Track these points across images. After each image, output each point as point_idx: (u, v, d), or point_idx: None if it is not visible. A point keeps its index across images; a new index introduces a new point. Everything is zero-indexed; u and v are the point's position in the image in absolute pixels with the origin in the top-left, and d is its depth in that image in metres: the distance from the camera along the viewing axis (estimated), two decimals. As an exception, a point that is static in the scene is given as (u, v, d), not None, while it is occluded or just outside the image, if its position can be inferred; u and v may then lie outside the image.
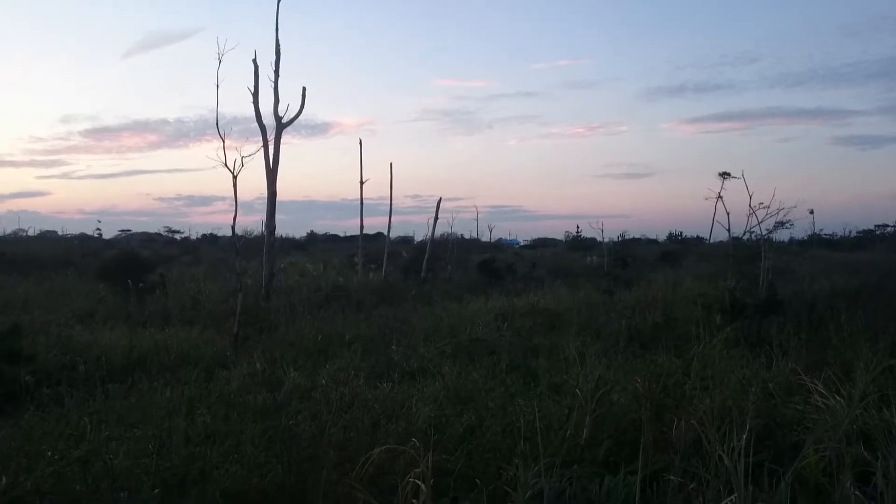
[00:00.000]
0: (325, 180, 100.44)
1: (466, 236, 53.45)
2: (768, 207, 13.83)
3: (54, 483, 4.17)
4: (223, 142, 12.15)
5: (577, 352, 10.59)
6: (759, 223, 13.82)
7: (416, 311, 15.71)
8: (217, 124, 12.54)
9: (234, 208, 13.51)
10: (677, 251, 34.17)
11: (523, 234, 79.41)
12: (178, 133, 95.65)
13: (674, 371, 5.48)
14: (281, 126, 18.03)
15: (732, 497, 3.56)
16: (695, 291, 15.50)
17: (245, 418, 7.14)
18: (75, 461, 3.93)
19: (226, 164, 12.14)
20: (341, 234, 68.96)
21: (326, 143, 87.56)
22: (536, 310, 14.16)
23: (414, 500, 3.08)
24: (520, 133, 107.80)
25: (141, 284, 16.35)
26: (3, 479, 3.69)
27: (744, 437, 3.62)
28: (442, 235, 36.62)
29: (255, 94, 17.58)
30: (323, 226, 72.10)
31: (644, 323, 13.14)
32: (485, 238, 58.39)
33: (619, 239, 33.80)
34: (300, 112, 18.51)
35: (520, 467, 4.48)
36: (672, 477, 4.45)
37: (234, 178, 12.21)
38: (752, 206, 13.94)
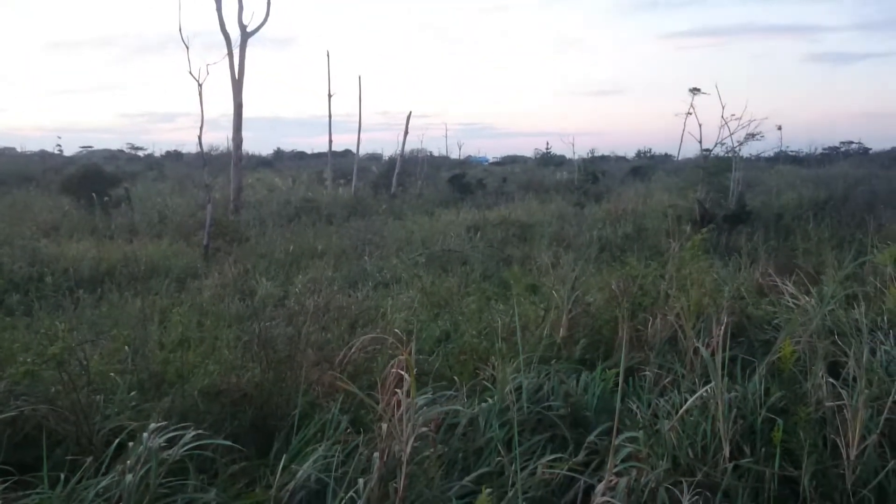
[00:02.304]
0: (291, 96, 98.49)
1: (435, 153, 52.90)
2: (740, 119, 13.80)
3: (28, 384, 4.12)
4: (187, 49, 11.72)
5: (549, 262, 10.73)
6: (731, 134, 13.81)
7: (386, 225, 15.65)
8: (180, 31, 12.08)
9: (198, 123, 13.16)
10: (647, 166, 34.22)
11: (492, 151, 78.54)
12: (141, 47, 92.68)
13: (648, 273, 5.52)
14: (246, 35, 17.43)
15: (709, 387, 3.62)
16: (665, 203, 15.58)
17: (219, 325, 7.12)
18: (51, 359, 3.86)
19: (190, 73, 11.75)
20: (308, 152, 67.90)
21: (292, 57, 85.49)
22: (508, 222, 14.17)
23: (397, 391, 3.08)
24: (491, 49, 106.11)
25: (106, 198, 16.03)
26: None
27: (721, 329, 3.66)
28: (411, 152, 36.16)
29: (218, 0, 16.91)
30: (290, 143, 70.73)
31: (614, 234, 13.21)
32: (454, 155, 57.85)
33: (589, 155, 33.65)
34: (266, 20, 17.90)
35: (498, 364, 4.51)
36: (648, 372, 4.52)
37: (200, 87, 11.85)
38: (724, 117, 13.90)
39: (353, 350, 4.03)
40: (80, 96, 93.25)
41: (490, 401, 4.11)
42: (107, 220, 15.55)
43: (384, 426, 3.05)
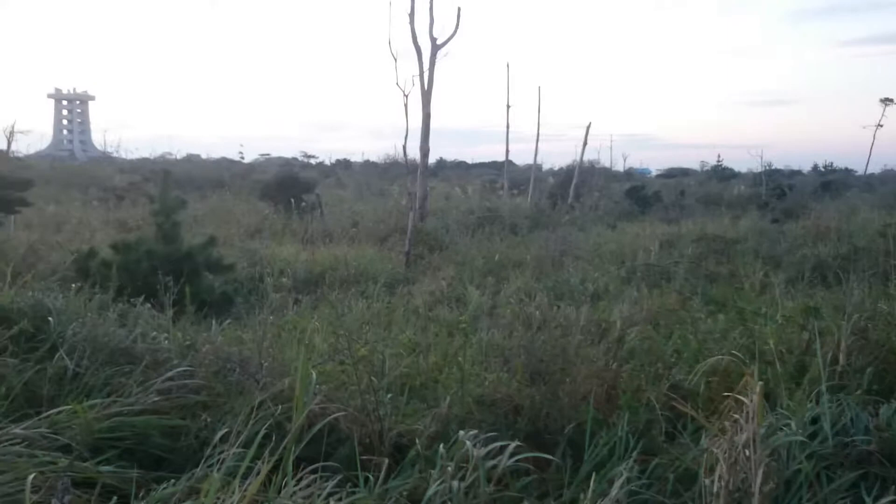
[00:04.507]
0: (450, 107, 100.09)
1: (597, 165, 52.02)
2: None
3: (321, 382, 4.26)
4: (395, 60, 12.10)
5: (761, 281, 10.19)
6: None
7: (570, 236, 15.47)
8: (389, 43, 12.49)
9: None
10: (837, 181, 32.11)
11: (654, 163, 76.33)
12: (312, 59, 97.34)
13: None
14: (436, 47, 17.81)
15: None
16: (877, 222, 14.48)
17: (441, 332, 7.20)
18: (360, 360, 3.98)
19: (397, 84, 12.13)
20: (469, 161, 68.90)
21: (451, 69, 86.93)
22: (706, 237, 13.60)
23: (735, 416, 2.91)
24: (656, 58, 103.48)
25: (303, 203, 16.80)
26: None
27: None
28: (574, 162, 35.66)
29: (411, 14, 17.39)
30: (448, 153, 71.94)
31: (826, 253, 12.39)
32: (617, 167, 56.71)
33: (767, 168, 31.88)
34: (455, 33, 18.22)
35: (781, 390, 4.25)
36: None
37: (406, 98, 12.19)
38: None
39: (697, 375, 3.88)
40: (257, 106, 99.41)
41: (785, 429, 3.84)
42: (303, 225, 16.30)
43: (719, 452, 2.88)
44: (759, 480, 2.67)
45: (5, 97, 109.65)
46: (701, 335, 6.09)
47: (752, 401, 2.78)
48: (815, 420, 3.99)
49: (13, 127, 16.80)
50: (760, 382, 2.86)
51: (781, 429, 3.94)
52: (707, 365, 4.06)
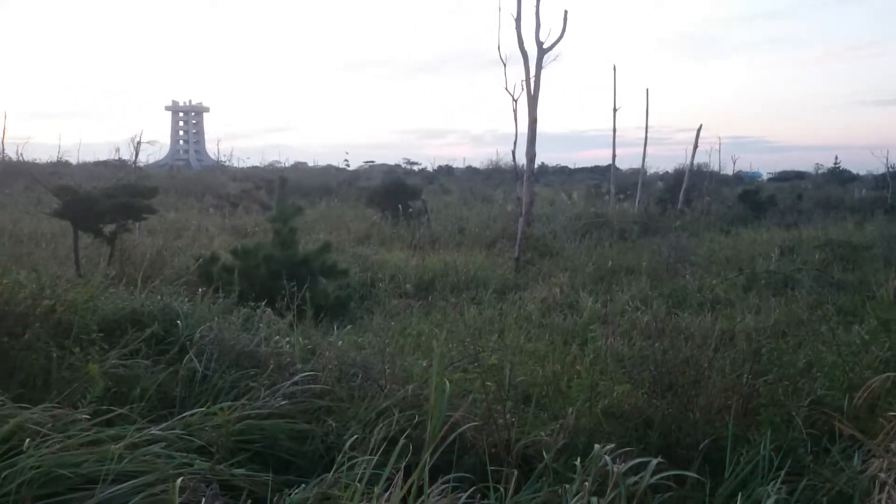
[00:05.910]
0: (554, 112, 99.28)
1: (706, 168, 50.28)
2: None
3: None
4: (504, 66, 12.07)
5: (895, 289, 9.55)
6: None
7: (683, 242, 14.97)
8: (498, 48, 12.45)
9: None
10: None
11: (764, 165, 73.15)
12: (413, 67, 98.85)
13: None
14: (542, 51, 17.58)
15: None
16: None
17: (556, 340, 7.08)
18: (489, 369, 3.92)
19: (506, 89, 12.08)
20: (571, 166, 68.11)
21: (559, 72, 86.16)
22: (831, 242, 12.90)
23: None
24: (764, 58, 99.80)
25: (410, 209, 16.93)
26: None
27: None
28: (682, 166, 34.59)
29: (518, 19, 17.24)
30: (550, 158, 71.20)
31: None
32: (725, 170, 54.70)
33: (891, 170, 29.98)
34: (561, 37, 17.92)
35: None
36: None
37: (515, 101, 12.11)
38: None
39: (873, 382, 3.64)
40: (362, 114, 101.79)
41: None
42: (410, 231, 16.41)
43: (886, 476, 2.65)
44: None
45: (130, 111, 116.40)
46: (836, 347, 5.72)
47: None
48: None
49: (140, 138, 17.73)
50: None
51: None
52: (878, 381, 3.76)
